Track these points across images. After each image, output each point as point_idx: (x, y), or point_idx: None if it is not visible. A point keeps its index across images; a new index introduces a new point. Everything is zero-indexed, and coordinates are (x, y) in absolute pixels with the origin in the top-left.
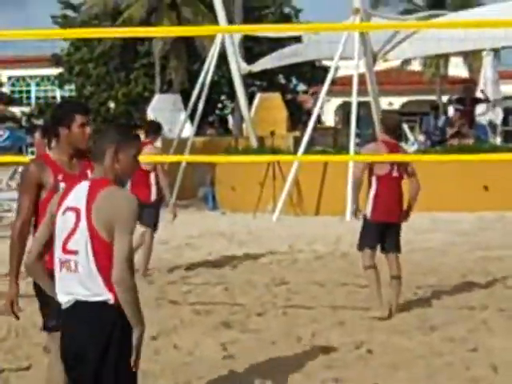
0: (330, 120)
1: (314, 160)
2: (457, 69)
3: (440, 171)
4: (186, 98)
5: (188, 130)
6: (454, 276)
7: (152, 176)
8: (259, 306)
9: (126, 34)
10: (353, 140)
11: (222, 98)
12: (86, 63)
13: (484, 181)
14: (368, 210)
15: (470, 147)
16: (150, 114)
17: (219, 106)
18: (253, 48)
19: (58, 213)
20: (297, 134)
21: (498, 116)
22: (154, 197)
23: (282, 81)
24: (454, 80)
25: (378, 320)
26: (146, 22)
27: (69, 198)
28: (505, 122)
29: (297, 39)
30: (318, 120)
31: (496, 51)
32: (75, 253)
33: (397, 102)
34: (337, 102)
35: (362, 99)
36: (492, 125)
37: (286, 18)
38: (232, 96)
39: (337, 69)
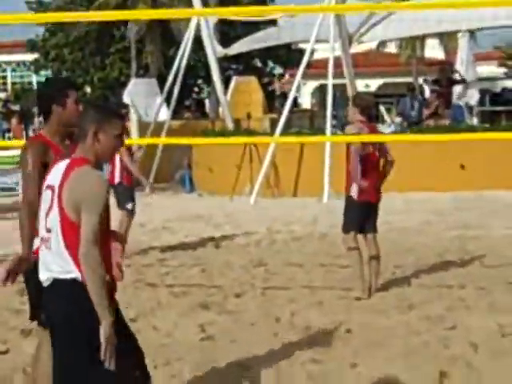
0: (306, 103)
1: (291, 141)
2: (433, 50)
3: (417, 152)
4: (162, 82)
5: (164, 114)
6: (431, 255)
7: (117, 158)
8: (237, 287)
9: (101, 18)
10: (329, 122)
11: (199, 81)
12: (62, 48)
13: (460, 160)
14: (354, 192)
15: (447, 127)
16: (127, 99)
17: (196, 89)
18: (228, 32)
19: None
20: (273, 116)
21: (473, 97)
22: (117, 179)
23: (259, 64)
24: (431, 62)
25: (358, 300)
26: (121, 7)
27: (49, 177)
28: (481, 102)
29: (272, 22)
30: (295, 103)
31: (472, 33)
32: (50, 231)
33: (373, 84)
34: (313, 84)
35: (339, 82)
36: (468, 106)
37: (261, 2)
38: (208, 80)
39: (313, 51)
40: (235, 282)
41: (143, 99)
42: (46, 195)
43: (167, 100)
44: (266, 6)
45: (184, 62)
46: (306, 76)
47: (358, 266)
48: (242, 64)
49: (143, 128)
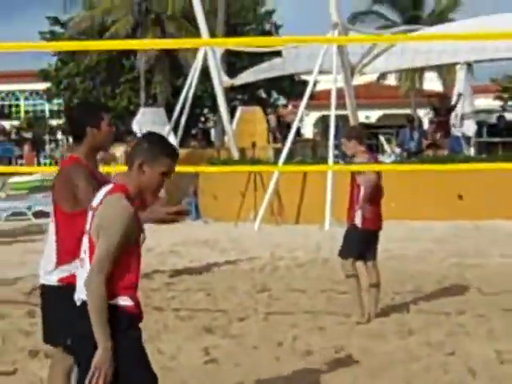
0: (308, 133)
1: (294, 170)
2: (431, 83)
3: (415, 181)
4: (169, 111)
5: (172, 142)
6: (430, 282)
7: None
8: (241, 311)
9: (112, 47)
10: (331, 151)
11: (205, 111)
12: (73, 77)
13: (458, 190)
14: (358, 220)
15: (445, 157)
16: (135, 127)
17: (202, 119)
18: (235, 63)
19: None
20: (277, 145)
21: (471, 128)
22: None
23: (263, 95)
24: (429, 94)
25: (357, 325)
26: (131, 38)
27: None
28: (478, 134)
29: (277, 54)
30: (298, 133)
31: (469, 65)
32: (85, 253)
33: (373, 116)
34: (316, 115)
35: (340, 112)
36: (465, 137)
37: (266, 35)
38: (214, 109)
39: (315, 83)
40: (239, 306)
41: (151, 128)
42: (89, 216)
43: (175, 129)
44: (271, 37)
45: (191, 92)
46: (308, 107)
47: (356, 292)
48: (247, 94)
49: None
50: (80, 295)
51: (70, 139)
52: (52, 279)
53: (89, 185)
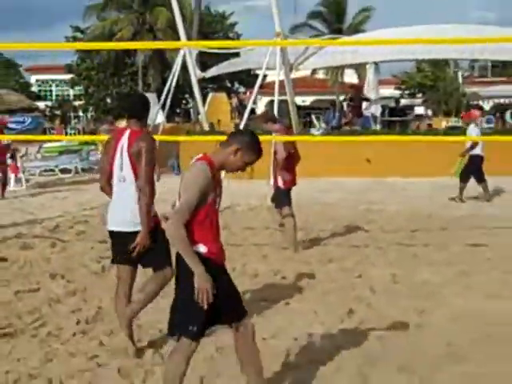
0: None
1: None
2: (350, 77)
3: (336, 148)
4: (159, 95)
5: (160, 119)
6: (345, 222)
7: None
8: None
9: (118, 47)
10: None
11: (186, 96)
12: (90, 71)
13: (367, 155)
14: (280, 182)
15: (358, 131)
16: None
17: (184, 102)
18: (206, 61)
19: None
20: (237, 121)
21: (377, 110)
22: None
23: (228, 84)
24: (348, 85)
25: (292, 254)
26: (131, 41)
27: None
28: (382, 114)
29: (237, 54)
30: (253, 112)
31: (376, 64)
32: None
33: (308, 100)
34: (266, 99)
35: (283, 98)
36: (374, 116)
37: (230, 38)
38: (192, 95)
39: (265, 76)
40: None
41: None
42: None
43: (163, 108)
44: (232, 41)
45: (174, 81)
46: (260, 93)
47: (292, 229)
48: (216, 84)
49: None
50: None
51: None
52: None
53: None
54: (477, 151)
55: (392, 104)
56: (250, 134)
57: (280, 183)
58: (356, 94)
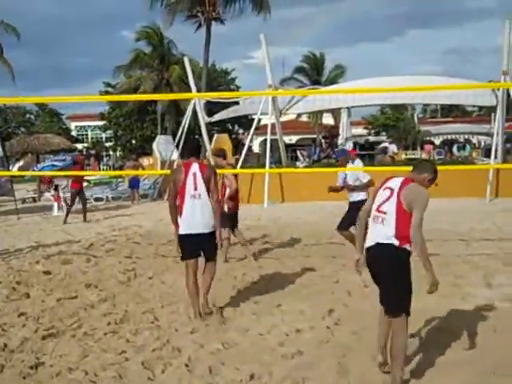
0: (256, 149)
1: (247, 171)
2: (327, 119)
3: (317, 177)
4: (174, 136)
5: (175, 156)
6: (324, 237)
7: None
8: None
9: (141, 98)
10: (268, 160)
11: (196, 136)
12: (119, 118)
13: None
14: (226, 208)
15: (333, 163)
16: (154, 147)
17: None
18: (212, 108)
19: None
20: (237, 157)
21: (350, 146)
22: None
23: (230, 127)
24: (325, 126)
25: (282, 264)
26: (152, 93)
27: (388, 183)
28: (354, 149)
29: (237, 103)
30: (250, 149)
31: (348, 109)
32: (384, 213)
33: (294, 139)
34: (260, 138)
35: (274, 137)
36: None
37: (230, 90)
38: (201, 136)
39: (259, 120)
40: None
41: (164, 147)
42: (386, 192)
43: (177, 147)
44: (233, 92)
45: (186, 124)
46: (256, 134)
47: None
48: (220, 127)
49: (163, 164)
50: (377, 240)
51: (117, 154)
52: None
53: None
54: (362, 196)
55: (362, 141)
56: (432, 163)
57: (225, 209)
58: (330, 133)
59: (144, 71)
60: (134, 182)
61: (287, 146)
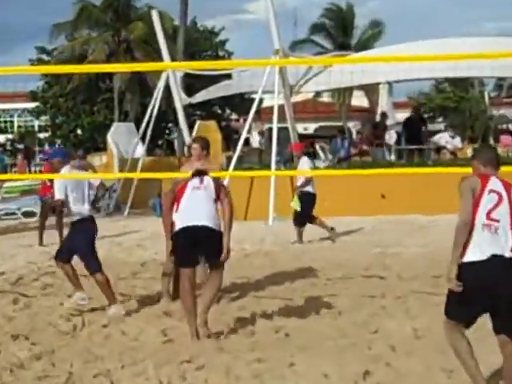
0: (256, 143)
1: (242, 175)
2: (359, 100)
3: (344, 183)
4: (139, 125)
5: (140, 151)
6: (356, 269)
7: None
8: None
9: (90, 70)
10: (274, 158)
11: (169, 124)
12: (58, 98)
13: (381, 190)
14: None
15: (369, 163)
16: (110, 139)
17: (167, 131)
18: (194, 84)
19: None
20: (230, 153)
21: (392, 138)
22: None
23: (218, 111)
24: (356, 109)
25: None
26: (106, 63)
27: (491, 185)
28: (398, 142)
29: (229, 76)
30: (247, 142)
31: (390, 84)
32: (498, 221)
33: (311, 127)
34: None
35: (282, 125)
36: (387, 145)
37: (220, 58)
38: (177, 123)
39: (261, 100)
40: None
41: (123, 140)
42: (492, 197)
43: (142, 140)
44: (223, 61)
45: (156, 108)
46: (256, 120)
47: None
48: (204, 111)
49: (123, 163)
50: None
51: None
52: None
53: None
54: (310, 189)
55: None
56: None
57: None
58: (382, 120)
59: (94, 31)
60: None
61: (302, 137)
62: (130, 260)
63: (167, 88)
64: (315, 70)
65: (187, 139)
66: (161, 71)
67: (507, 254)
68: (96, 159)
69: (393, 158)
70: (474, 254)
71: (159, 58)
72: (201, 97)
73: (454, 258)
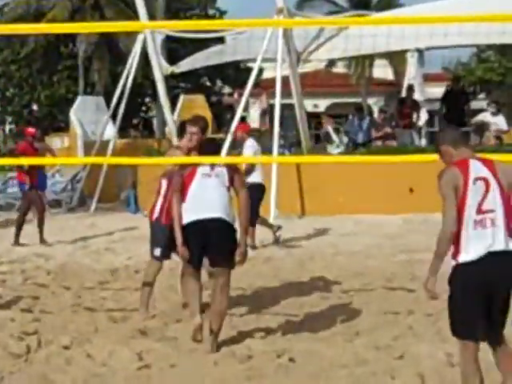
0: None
1: (237, 162)
2: (382, 71)
3: (363, 173)
4: (109, 100)
5: (110, 132)
6: (378, 279)
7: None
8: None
9: (49, 31)
10: (276, 142)
11: (147, 99)
12: (9, 65)
13: (409, 183)
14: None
15: (395, 148)
16: (73, 116)
17: (143, 108)
18: (177, 50)
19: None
20: (221, 135)
21: (422, 118)
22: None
23: (207, 83)
24: (379, 82)
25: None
26: (69, 22)
27: (473, 172)
28: (430, 123)
29: (221, 40)
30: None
31: (420, 52)
32: (492, 211)
33: (322, 104)
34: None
35: (287, 101)
36: (416, 127)
37: (210, 18)
38: (156, 97)
39: (261, 70)
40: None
41: (90, 117)
42: (479, 186)
43: (113, 118)
44: (213, 20)
45: (130, 78)
46: (254, 95)
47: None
48: (190, 83)
49: (89, 146)
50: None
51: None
52: None
53: None
54: (255, 178)
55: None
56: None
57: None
58: (408, 95)
59: None
60: (39, 180)
61: (311, 116)
62: (97, 267)
63: (144, 54)
64: (327, 33)
65: (169, 117)
66: (136, 33)
67: (511, 245)
68: (56, 141)
69: (423, 142)
70: (467, 254)
71: (134, 17)
72: (186, 65)
73: (434, 269)
